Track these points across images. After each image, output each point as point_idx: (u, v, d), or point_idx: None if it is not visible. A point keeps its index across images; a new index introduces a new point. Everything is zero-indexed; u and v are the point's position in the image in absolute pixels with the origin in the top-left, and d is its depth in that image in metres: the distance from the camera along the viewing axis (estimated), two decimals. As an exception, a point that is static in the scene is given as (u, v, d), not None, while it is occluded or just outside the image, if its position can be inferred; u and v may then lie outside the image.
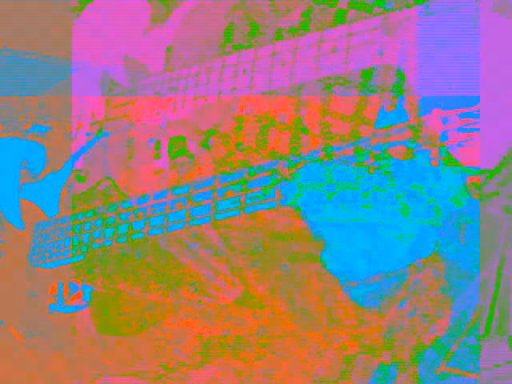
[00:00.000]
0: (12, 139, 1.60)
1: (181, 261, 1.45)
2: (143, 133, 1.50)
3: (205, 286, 1.45)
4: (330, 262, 1.29)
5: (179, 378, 1.53)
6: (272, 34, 1.36)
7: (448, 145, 1.11)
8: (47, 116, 1.64)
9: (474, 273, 1.24)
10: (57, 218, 1.54)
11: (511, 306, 1.22)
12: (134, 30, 1.56)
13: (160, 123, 1.47)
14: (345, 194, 1.18)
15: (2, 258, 1.60)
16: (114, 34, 1.58)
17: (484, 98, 1.11)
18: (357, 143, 1.16)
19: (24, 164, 1.56)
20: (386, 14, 1.21)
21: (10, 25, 1.66)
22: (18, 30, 1.65)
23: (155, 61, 1.51)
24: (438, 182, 1.14)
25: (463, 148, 1.11)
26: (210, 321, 1.49)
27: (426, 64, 1.17)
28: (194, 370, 1.51)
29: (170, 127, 1.47)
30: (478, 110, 1.09)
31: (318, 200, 1.19)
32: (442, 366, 1.26)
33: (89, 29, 1.63)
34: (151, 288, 1.49)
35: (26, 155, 1.57)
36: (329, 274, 1.30)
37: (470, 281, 1.25)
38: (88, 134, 1.57)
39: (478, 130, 1.09)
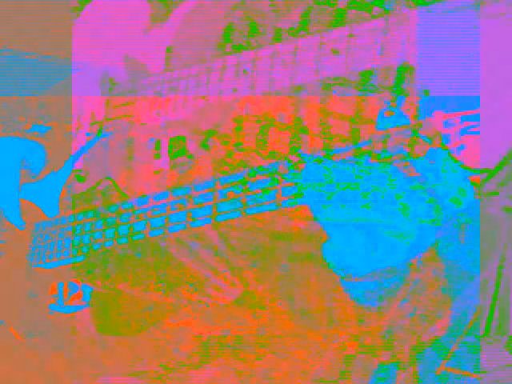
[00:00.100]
0: (11, 138, 1.60)
1: (181, 261, 1.45)
2: (143, 133, 1.50)
3: (205, 286, 1.45)
4: (330, 256, 1.29)
5: (179, 378, 1.53)
6: (272, 34, 1.36)
7: (450, 147, 1.11)
8: (47, 116, 1.64)
9: (474, 273, 1.24)
10: (57, 218, 1.54)
11: (511, 306, 1.22)
12: (134, 30, 1.56)
13: (160, 123, 1.47)
14: (345, 193, 1.18)
15: (1, 258, 1.60)
16: (113, 34, 1.58)
17: (484, 98, 1.11)
18: (357, 145, 1.17)
19: (23, 163, 1.57)
20: (386, 15, 1.21)
21: (10, 25, 1.66)
22: (18, 29, 1.65)
23: (155, 61, 1.51)
24: (438, 181, 1.14)
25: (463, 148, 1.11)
26: (210, 321, 1.49)
27: (426, 64, 1.17)
28: (194, 370, 1.51)
29: (169, 127, 1.47)
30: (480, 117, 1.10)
31: (318, 200, 1.19)
32: (442, 366, 1.26)
33: (89, 29, 1.63)
34: (151, 288, 1.49)
35: (26, 154, 1.57)
36: (328, 269, 1.30)
37: (469, 281, 1.25)
38: (88, 134, 1.57)
39: (479, 132, 1.09)
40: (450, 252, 1.25)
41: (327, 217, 1.22)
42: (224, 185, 1.28)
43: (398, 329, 1.30)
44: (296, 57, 1.29)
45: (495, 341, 1.23)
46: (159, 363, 1.55)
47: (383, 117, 1.17)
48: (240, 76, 1.35)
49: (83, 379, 1.61)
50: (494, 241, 1.23)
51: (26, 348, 1.62)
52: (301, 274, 1.37)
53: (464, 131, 1.10)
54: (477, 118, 1.10)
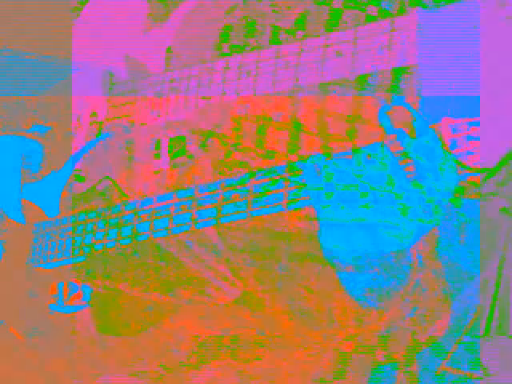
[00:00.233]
0: (12, 136, 1.60)
1: (181, 261, 1.45)
2: (143, 133, 1.50)
3: (205, 285, 1.45)
4: (326, 242, 1.29)
5: (179, 378, 1.53)
6: (270, 35, 1.36)
7: (456, 153, 1.11)
8: (47, 116, 1.64)
9: (474, 273, 1.24)
10: (58, 218, 1.54)
11: (511, 306, 1.22)
12: (134, 30, 1.56)
13: (160, 123, 1.47)
14: (344, 193, 1.18)
15: (2, 258, 1.60)
16: (113, 34, 1.58)
17: (484, 98, 1.11)
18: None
19: (23, 160, 1.56)
20: (389, 18, 1.21)
21: (10, 25, 1.66)
22: (18, 29, 1.65)
23: (156, 61, 1.51)
24: (438, 181, 1.14)
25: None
26: (210, 321, 1.49)
27: (426, 64, 1.17)
28: (194, 370, 1.51)
29: (170, 127, 1.47)
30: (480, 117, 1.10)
31: (318, 200, 1.19)
32: (442, 366, 1.26)
33: (89, 29, 1.63)
34: (151, 288, 1.49)
35: (25, 151, 1.57)
36: (324, 256, 1.29)
37: (469, 281, 1.25)
38: (88, 135, 1.57)
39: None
40: (450, 252, 1.25)
41: (327, 217, 1.22)
42: (229, 186, 1.28)
43: (397, 329, 1.30)
44: (300, 58, 1.29)
45: (495, 341, 1.23)
46: (159, 363, 1.55)
47: (384, 116, 1.17)
48: (242, 77, 1.35)
49: (83, 379, 1.61)
50: (494, 241, 1.23)
51: (26, 348, 1.62)
52: (301, 273, 1.37)
53: (471, 137, 1.10)
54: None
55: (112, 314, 1.56)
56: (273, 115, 1.34)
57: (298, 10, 1.34)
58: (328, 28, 1.30)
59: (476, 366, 1.23)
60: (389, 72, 1.23)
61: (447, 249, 1.25)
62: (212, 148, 1.41)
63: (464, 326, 1.24)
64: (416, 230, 1.18)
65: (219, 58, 1.39)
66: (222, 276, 1.44)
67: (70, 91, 1.62)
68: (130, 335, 1.56)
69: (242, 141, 1.38)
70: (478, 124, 1.10)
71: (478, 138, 1.10)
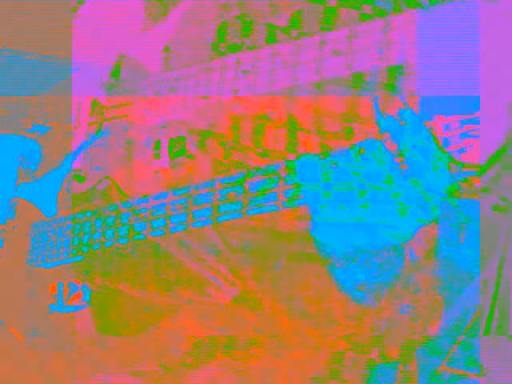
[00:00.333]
0: (9, 135, 1.60)
1: (181, 261, 1.45)
2: (143, 133, 1.50)
3: (205, 285, 1.45)
4: (319, 237, 1.29)
5: (179, 378, 1.53)
6: (265, 33, 1.36)
7: (449, 150, 1.11)
8: (47, 116, 1.64)
9: (474, 273, 1.24)
10: (56, 217, 1.54)
11: (511, 306, 1.22)
12: (133, 30, 1.56)
13: (160, 123, 1.47)
14: (344, 193, 1.17)
15: (1, 258, 1.61)
16: (113, 34, 1.58)
17: (484, 98, 1.11)
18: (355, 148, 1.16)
19: (22, 159, 1.57)
20: (386, 16, 1.21)
21: (10, 25, 1.66)
22: (18, 29, 1.65)
23: (154, 61, 1.51)
24: (432, 178, 1.14)
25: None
26: (209, 321, 1.49)
27: (426, 64, 1.17)
28: (194, 369, 1.51)
29: (169, 127, 1.47)
30: (479, 116, 1.10)
31: (314, 200, 1.19)
32: (442, 366, 1.26)
33: (88, 29, 1.63)
34: (151, 288, 1.49)
35: (23, 150, 1.57)
36: (320, 251, 1.29)
37: (469, 281, 1.25)
38: (87, 134, 1.57)
39: (479, 136, 1.09)
40: (449, 252, 1.25)
41: (323, 216, 1.22)
42: (225, 185, 1.27)
43: (396, 328, 1.30)
44: (297, 57, 1.29)
45: (495, 341, 1.23)
46: (159, 363, 1.55)
47: (379, 114, 1.17)
48: (240, 76, 1.35)
49: (83, 379, 1.61)
50: (494, 241, 1.23)
51: (26, 348, 1.62)
52: (300, 273, 1.37)
53: (464, 135, 1.10)
54: (477, 121, 1.10)
55: (112, 314, 1.56)
56: (270, 114, 1.34)
57: (293, 9, 1.34)
58: (323, 26, 1.30)
59: (475, 366, 1.23)
60: (385, 71, 1.23)
61: (447, 249, 1.25)
62: (210, 148, 1.41)
63: (464, 325, 1.24)
64: (412, 227, 1.18)
65: (216, 58, 1.39)
66: (222, 276, 1.44)
67: (70, 91, 1.62)
68: (129, 335, 1.56)
69: (240, 140, 1.38)
70: (470, 122, 1.10)
71: (470, 136, 1.09)
